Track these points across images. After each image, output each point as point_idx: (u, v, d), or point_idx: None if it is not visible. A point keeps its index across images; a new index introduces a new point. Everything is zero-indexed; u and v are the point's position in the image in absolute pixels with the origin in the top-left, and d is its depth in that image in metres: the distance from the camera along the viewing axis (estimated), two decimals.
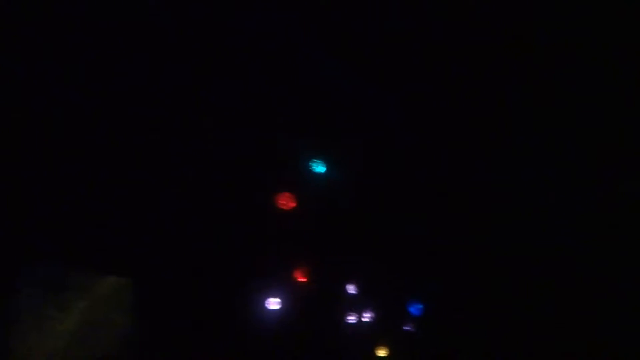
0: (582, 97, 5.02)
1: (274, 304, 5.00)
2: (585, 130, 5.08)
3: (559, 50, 4.94)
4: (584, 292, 5.15)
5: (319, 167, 5.26)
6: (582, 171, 5.18)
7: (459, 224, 5.48)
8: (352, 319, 5.36)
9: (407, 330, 5.60)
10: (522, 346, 5.30)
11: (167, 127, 4.61)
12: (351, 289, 5.41)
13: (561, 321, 5.21)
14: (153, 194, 4.61)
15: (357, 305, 5.41)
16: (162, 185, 4.64)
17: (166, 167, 4.66)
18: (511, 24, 4.91)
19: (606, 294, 5.09)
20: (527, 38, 4.95)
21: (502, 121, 5.25)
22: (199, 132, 4.72)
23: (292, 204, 5.11)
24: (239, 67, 4.81)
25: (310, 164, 5.24)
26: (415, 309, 5.62)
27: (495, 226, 5.42)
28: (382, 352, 5.39)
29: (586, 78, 4.96)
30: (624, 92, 4.97)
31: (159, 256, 4.57)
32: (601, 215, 5.18)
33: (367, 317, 5.45)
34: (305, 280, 5.20)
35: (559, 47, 4.93)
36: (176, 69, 4.58)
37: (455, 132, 5.33)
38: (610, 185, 5.17)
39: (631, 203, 5.11)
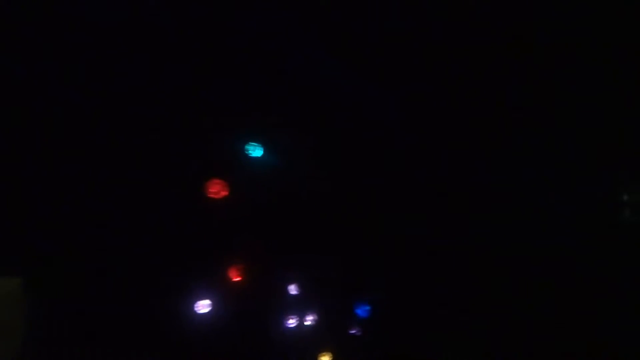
0: (582, 97, 4.83)
1: (203, 307, 4.51)
2: (584, 130, 4.89)
3: (559, 50, 4.75)
4: (538, 292, 4.94)
5: (255, 151, 4.72)
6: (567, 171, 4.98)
7: (410, 217, 5.09)
8: (292, 322, 4.86)
9: (353, 333, 5.11)
10: (475, 348, 4.95)
11: (75, 111, 4.21)
12: (292, 289, 4.93)
13: (508, 319, 4.96)
14: (53, 182, 4.14)
15: (298, 307, 4.92)
16: (64, 172, 4.18)
17: (72, 151, 4.21)
18: (511, 24, 4.75)
19: (574, 295, 4.89)
20: (527, 38, 4.78)
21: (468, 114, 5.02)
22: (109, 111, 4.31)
23: (224, 193, 4.58)
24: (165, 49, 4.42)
25: (245, 147, 4.69)
26: (362, 310, 5.12)
27: (449, 222, 5.11)
28: (325, 358, 4.91)
29: (587, 78, 4.78)
30: (624, 92, 4.80)
31: (64, 254, 4.14)
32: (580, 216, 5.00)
33: (309, 320, 4.95)
34: (239, 279, 4.69)
35: (559, 47, 4.75)
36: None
37: (408, 115, 5.06)
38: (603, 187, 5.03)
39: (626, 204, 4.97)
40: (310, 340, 4.94)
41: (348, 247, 5.07)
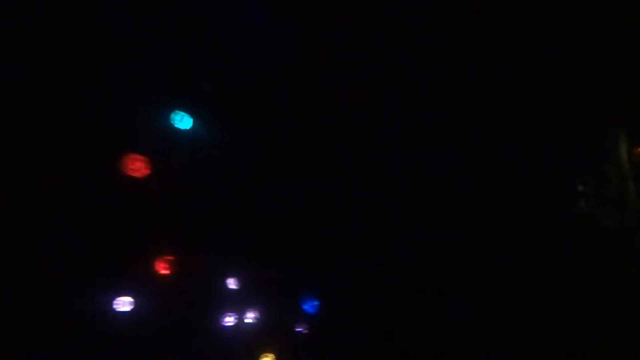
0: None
1: (124, 304, 3.90)
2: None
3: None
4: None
5: (183, 121, 4.06)
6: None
7: (360, 205, 4.68)
8: (230, 320, 4.32)
9: (299, 332, 4.64)
10: (427, 347, 4.58)
11: None
12: (230, 283, 4.39)
13: (461, 316, 4.70)
14: None
15: (237, 303, 4.37)
16: None
17: None
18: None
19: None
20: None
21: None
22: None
23: (146, 171, 3.95)
24: None
25: (171, 116, 4.01)
26: (309, 306, 4.65)
27: (400, 215, 4.75)
28: None
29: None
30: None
31: None
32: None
33: (250, 317, 4.43)
34: (167, 272, 4.07)
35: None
36: None
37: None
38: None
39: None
40: (251, 340, 4.41)
41: (294, 235, 4.60)
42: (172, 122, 4.07)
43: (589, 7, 4.38)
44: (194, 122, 4.13)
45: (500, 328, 4.58)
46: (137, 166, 3.93)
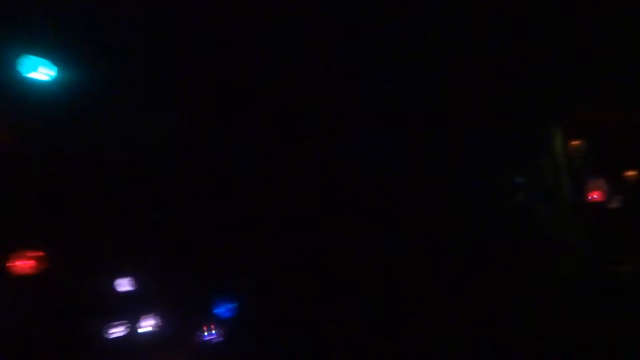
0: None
1: None
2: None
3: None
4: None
5: (41, 70, 3.08)
6: None
7: (282, 199, 4.12)
8: (118, 330, 3.58)
9: (210, 339, 3.96)
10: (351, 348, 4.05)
11: None
12: (121, 284, 3.64)
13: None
14: None
15: (130, 308, 3.58)
16: None
17: None
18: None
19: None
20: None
21: None
22: None
23: None
24: None
25: (20, 62, 3.01)
26: (224, 309, 3.95)
27: (313, 210, 4.25)
28: None
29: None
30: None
31: None
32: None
33: (146, 325, 3.63)
34: (30, 272, 3.20)
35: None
36: None
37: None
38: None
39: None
40: (147, 354, 3.63)
41: (203, 222, 3.86)
42: (24, 71, 3.09)
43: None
44: (59, 71, 3.14)
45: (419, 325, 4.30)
46: None
